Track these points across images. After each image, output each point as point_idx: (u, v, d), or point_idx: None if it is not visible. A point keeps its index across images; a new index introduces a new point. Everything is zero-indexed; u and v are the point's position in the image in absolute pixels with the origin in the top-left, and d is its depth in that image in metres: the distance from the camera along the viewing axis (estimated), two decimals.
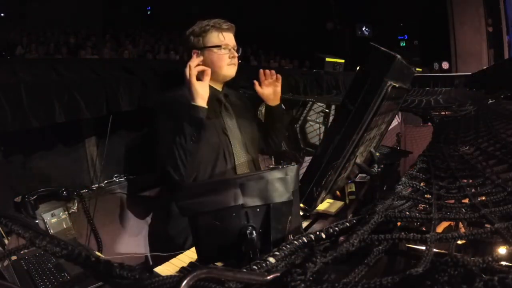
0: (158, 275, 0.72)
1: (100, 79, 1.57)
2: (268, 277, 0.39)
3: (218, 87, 1.62)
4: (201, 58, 1.48)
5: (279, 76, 1.63)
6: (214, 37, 1.54)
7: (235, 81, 1.71)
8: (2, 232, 1.17)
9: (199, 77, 1.38)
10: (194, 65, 1.36)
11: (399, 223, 0.58)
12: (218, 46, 1.54)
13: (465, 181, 0.77)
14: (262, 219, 0.72)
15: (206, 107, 1.38)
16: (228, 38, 1.57)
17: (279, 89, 1.65)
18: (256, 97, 1.68)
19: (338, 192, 1.42)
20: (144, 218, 1.91)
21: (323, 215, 1.31)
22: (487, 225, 0.52)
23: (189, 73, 1.35)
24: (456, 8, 8.74)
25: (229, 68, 1.57)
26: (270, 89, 1.64)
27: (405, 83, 1.09)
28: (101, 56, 8.02)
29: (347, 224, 0.56)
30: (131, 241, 1.86)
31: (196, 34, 1.55)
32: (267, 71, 1.65)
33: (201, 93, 1.36)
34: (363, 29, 11.99)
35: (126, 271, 0.41)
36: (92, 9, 10.71)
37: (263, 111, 2.46)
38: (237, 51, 1.60)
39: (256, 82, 1.63)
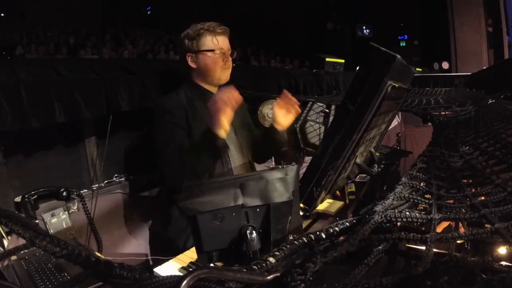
0: (158, 275, 0.72)
1: (100, 79, 1.57)
2: (268, 277, 0.39)
3: (213, 90, 1.61)
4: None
5: (297, 109, 1.48)
6: (208, 41, 1.54)
7: (234, 82, 1.70)
8: (2, 232, 1.17)
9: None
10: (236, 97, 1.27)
11: (399, 223, 0.58)
12: (212, 50, 1.53)
13: (465, 181, 0.77)
14: (262, 219, 0.72)
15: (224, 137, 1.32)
16: (222, 42, 1.56)
17: (291, 116, 1.50)
18: (255, 97, 1.67)
19: (338, 192, 1.42)
20: (144, 218, 1.91)
21: (323, 215, 1.31)
22: (487, 225, 0.52)
23: (228, 102, 1.25)
24: (456, 8, 8.75)
25: (223, 72, 1.57)
26: (283, 111, 1.49)
27: (405, 83, 1.09)
28: (101, 56, 8.03)
29: (347, 224, 0.56)
30: (131, 241, 1.86)
31: (190, 37, 1.55)
32: (289, 95, 1.49)
33: (226, 127, 1.29)
34: (363, 29, 11.99)
35: (126, 271, 0.41)
36: (92, 9, 10.71)
37: (263, 111, 2.46)
38: (232, 54, 1.59)
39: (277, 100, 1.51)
